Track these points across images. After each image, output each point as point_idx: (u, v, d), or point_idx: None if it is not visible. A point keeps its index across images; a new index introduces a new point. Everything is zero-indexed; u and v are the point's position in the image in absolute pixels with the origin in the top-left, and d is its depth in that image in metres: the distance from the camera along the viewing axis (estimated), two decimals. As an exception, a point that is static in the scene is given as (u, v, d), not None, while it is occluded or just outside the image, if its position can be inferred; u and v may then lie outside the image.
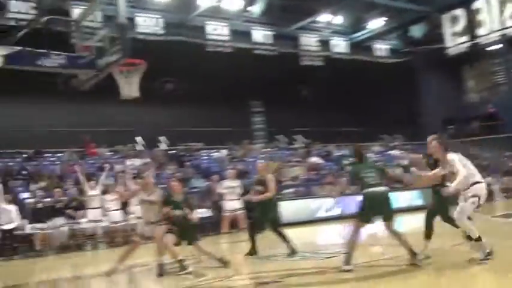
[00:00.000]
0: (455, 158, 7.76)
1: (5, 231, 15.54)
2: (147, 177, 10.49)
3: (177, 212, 9.40)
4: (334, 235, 16.88)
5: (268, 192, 10.61)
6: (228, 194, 16.50)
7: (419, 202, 22.19)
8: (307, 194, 22.07)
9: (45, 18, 11.14)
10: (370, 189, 8.05)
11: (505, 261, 7.61)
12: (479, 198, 7.66)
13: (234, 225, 16.74)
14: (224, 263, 9.45)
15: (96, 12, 14.08)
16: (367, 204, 8.04)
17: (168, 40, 25.54)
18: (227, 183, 16.76)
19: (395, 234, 8.17)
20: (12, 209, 15.89)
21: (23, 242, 16.18)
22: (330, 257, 9.74)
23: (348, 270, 7.76)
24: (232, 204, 16.33)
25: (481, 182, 7.83)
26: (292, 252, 10.31)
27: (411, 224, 18.07)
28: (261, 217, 10.97)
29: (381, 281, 7.23)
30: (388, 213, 8.15)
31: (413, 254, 8.00)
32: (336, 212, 20.71)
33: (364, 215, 8.09)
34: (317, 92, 32.43)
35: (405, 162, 26.52)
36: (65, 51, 10.22)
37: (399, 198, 21.17)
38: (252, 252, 10.64)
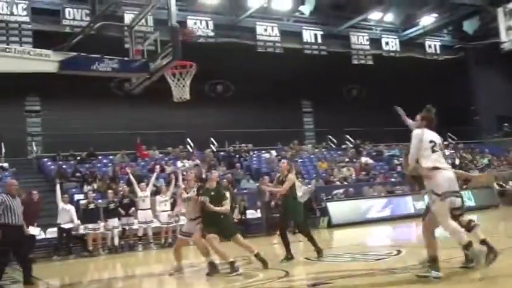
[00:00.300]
0: (416, 134, 7.02)
1: (63, 230, 16.04)
2: (188, 175, 10.57)
3: (202, 198, 9.34)
4: (385, 236, 16.72)
5: (281, 189, 10.53)
6: None
7: (470, 203, 21.78)
8: (358, 195, 21.94)
9: (99, 24, 11.36)
10: None
11: None
12: (435, 193, 6.80)
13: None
14: (262, 261, 9.37)
15: (147, 16, 14.38)
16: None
17: (218, 42, 25.72)
18: None
19: None
20: (71, 208, 16.39)
21: (77, 242, 16.69)
22: (380, 259, 9.69)
23: (438, 277, 6.91)
24: None
25: (441, 168, 6.89)
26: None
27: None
28: (283, 218, 11.01)
29: (432, 284, 7.05)
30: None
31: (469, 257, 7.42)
32: (386, 213, 20.58)
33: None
34: (368, 91, 32.15)
35: (457, 161, 26.14)
36: (118, 55, 10.40)
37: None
38: (288, 257, 10.45)
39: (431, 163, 6.88)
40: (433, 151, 6.96)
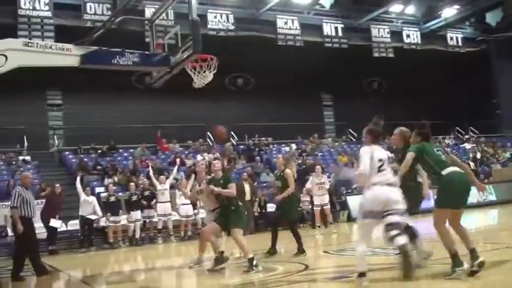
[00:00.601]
0: (364, 151, 6.78)
1: (85, 222, 16.17)
2: (199, 167, 10.55)
3: (211, 186, 9.27)
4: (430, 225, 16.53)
5: (289, 188, 10.56)
6: (317, 189, 16.63)
7: (491, 197, 21.59)
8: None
9: (120, 18, 11.43)
10: (453, 169, 6.89)
11: None
12: (362, 209, 6.70)
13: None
14: (220, 260, 9.18)
15: (168, 10, 14.42)
16: (453, 186, 6.81)
17: (238, 35, 25.73)
18: (315, 179, 16.91)
19: (463, 229, 7.02)
20: (93, 200, 16.55)
21: (98, 235, 16.87)
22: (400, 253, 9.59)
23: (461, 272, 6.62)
24: (321, 199, 16.46)
25: (377, 184, 6.62)
26: (301, 253, 10.32)
27: (482, 221, 17.66)
28: (281, 214, 10.98)
29: (451, 280, 6.93)
30: (466, 202, 7.00)
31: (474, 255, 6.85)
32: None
33: (451, 200, 6.84)
34: (388, 83, 31.96)
35: (478, 155, 25.88)
36: (139, 49, 10.46)
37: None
38: (271, 251, 10.62)
39: (373, 180, 6.66)
40: (379, 170, 6.72)
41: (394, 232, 6.62)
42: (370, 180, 6.66)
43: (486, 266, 7.13)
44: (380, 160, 6.73)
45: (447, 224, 6.99)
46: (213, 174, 9.61)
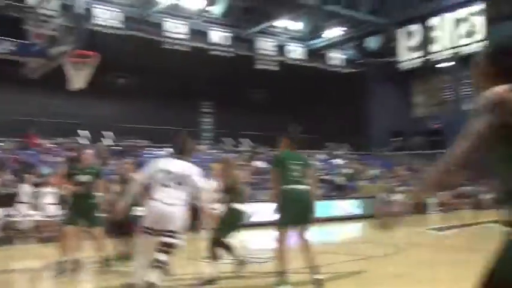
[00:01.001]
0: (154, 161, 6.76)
1: None
2: (84, 153, 9.97)
3: (83, 179, 8.96)
4: (270, 240, 16.82)
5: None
6: None
7: (358, 211, 22.64)
8: (249, 198, 21.97)
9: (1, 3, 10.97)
10: (290, 187, 7.10)
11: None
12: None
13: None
14: (107, 264, 9.08)
15: (53, 0, 13.97)
16: (286, 204, 7.11)
17: (124, 34, 25.33)
18: None
19: (306, 245, 7.23)
20: None
21: None
22: (264, 262, 9.71)
23: None
24: None
25: (157, 200, 6.27)
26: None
27: (347, 233, 18.50)
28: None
29: None
30: (306, 219, 7.20)
31: (316, 271, 7.12)
32: (275, 217, 20.77)
33: (283, 219, 7.15)
34: (269, 96, 32.64)
35: (350, 171, 26.99)
36: (18, 37, 10.08)
37: (336, 206, 21.67)
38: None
39: (153, 195, 6.38)
40: (164, 185, 6.43)
41: (160, 259, 6.18)
42: (150, 194, 6.33)
43: (342, 276, 7.61)
44: (169, 173, 6.42)
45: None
46: (80, 166, 9.27)
